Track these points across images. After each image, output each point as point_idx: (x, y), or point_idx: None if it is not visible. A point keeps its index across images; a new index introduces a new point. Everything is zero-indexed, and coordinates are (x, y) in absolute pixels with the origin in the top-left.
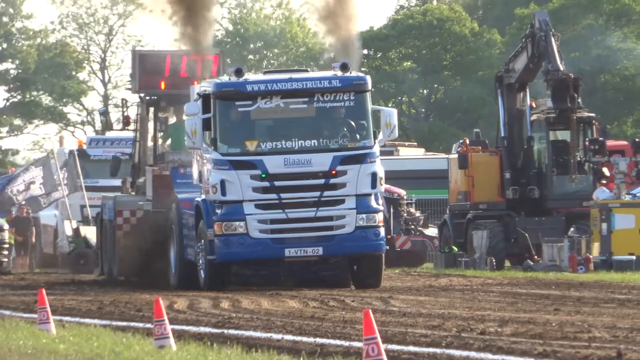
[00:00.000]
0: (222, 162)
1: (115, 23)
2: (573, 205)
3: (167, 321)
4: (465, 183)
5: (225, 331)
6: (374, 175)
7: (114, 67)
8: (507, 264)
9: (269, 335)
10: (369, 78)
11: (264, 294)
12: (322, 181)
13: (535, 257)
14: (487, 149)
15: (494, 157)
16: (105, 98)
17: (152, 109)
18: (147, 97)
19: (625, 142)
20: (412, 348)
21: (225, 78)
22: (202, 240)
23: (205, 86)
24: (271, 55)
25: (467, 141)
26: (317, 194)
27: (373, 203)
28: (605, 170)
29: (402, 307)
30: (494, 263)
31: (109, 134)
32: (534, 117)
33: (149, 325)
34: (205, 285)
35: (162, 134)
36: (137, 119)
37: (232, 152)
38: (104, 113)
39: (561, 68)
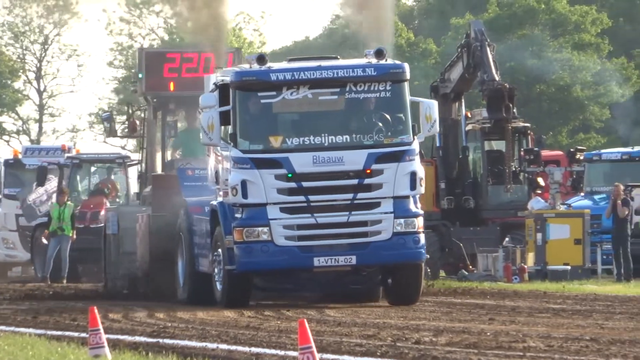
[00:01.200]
0: (243, 161)
1: (50, 32)
2: (508, 215)
3: (102, 330)
4: None
5: (161, 340)
6: (413, 175)
7: (49, 76)
8: (442, 273)
9: (204, 344)
10: (406, 66)
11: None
12: (355, 181)
13: (470, 267)
14: (423, 158)
15: (429, 167)
16: (41, 107)
17: (160, 113)
18: (155, 100)
19: (560, 152)
20: (347, 357)
21: (245, 66)
22: (219, 249)
23: (223, 75)
24: None
25: None
26: (350, 196)
27: (412, 206)
28: (540, 180)
29: (337, 316)
30: (429, 273)
31: (44, 144)
32: (469, 127)
33: (84, 335)
34: (223, 299)
35: (171, 140)
36: (143, 124)
37: (254, 149)
38: (108, 119)
39: (497, 78)
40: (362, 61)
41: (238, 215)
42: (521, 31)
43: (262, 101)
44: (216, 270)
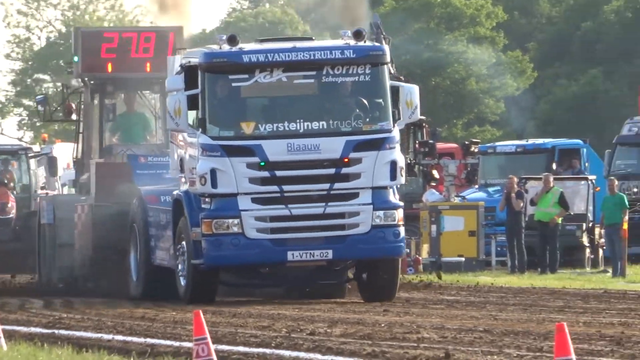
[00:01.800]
0: (213, 148)
1: None
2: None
3: None
4: None
5: (56, 331)
6: (393, 164)
7: None
8: None
9: (99, 335)
10: (387, 48)
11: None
12: (332, 171)
13: None
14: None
15: None
16: None
17: (97, 96)
18: (92, 82)
19: (455, 145)
20: (241, 348)
21: (214, 47)
22: (183, 242)
23: (190, 56)
24: None
25: None
26: (326, 186)
27: (392, 197)
28: (435, 173)
29: (232, 308)
30: None
31: None
32: None
33: None
34: (187, 295)
35: (109, 124)
36: (79, 107)
37: (225, 135)
38: (43, 101)
39: (392, 71)
40: (340, 42)
41: (206, 206)
42: (417, 24)
43: (233, 84)
44: (180, 264)
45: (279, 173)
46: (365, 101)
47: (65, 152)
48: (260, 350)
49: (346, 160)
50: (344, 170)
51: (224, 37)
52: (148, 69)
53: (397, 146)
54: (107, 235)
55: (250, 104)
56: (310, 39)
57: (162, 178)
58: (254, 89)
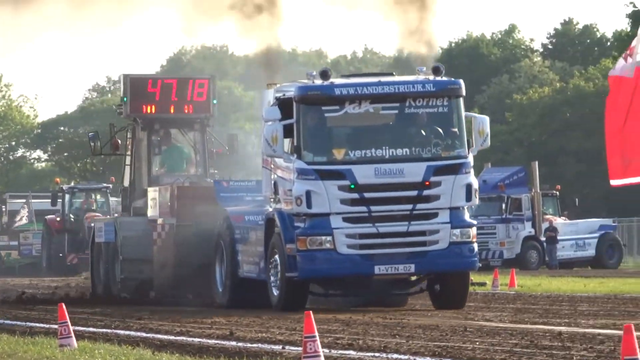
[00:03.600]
0: (308, 172)
1: None
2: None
3: None
4: None
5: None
6: (469, 187)
7: None
8: None
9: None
10: (462, 82)
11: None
12: (414, 193)
13: None
14: None
15: None
16: None
17: (145, 133)
18: (141, 120)
19: None
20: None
21: (305, 82)
22: (276, 256)
23: (284, 89)
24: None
25: None
26: (409, 206)
27: (466, 217)
28: None
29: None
30: None
31: None
32: None
33: None
34: (280, 304)
35: (156, 157)
36: (127, 142)
37: (318, 160)
38: (93, 138)
39: None
40: (421, 77)
41: (300, 224)
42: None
43: (326, 115)
44: (272, 276)
45: (367, 195)
46: (443, 130)
47: None
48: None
49: (427, 183)
50: (425, 192)
51: (314, 73)
52: (186, 111)
53: (472, 170)
54: (189, 251)
55: (341, 133)
56: (390, 74)
57: (242, 200)
58: (343, 118)
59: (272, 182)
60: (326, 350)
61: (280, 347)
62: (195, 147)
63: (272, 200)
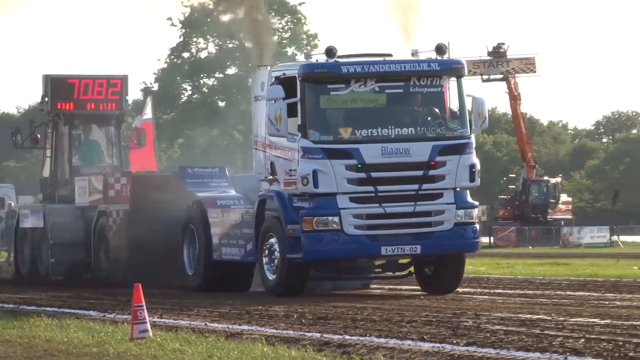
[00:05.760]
0: (315, 151)
1: None
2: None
3: None
4: None
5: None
6: (472, 167)
7: None
8: None
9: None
10: (465, 62)
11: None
12: (420, 173)
13: None
14: None
15: None
16: None
17: (66, 128)
18: (64, 116)
19: None
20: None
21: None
22: (272, 239)
23: (283, 69)
24: None
25: None
26: (415, 186)
27: (469, 198)
28: None
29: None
30: None
31: None
32: None
33: None
34: (278, 287)
35: (74, 150)
36: (48, 136)
37: (325, 139)
38: (16, 132)
39: None
40: (424, 57)
41: (302, 205)
42: None
43: (332, 93)
44: (266, 259)
45: (374, 174)
46: (447, 109)
47: None
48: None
49: (433, 163)
50: (431, 172)
51: (313, 54)
52: (102, 107)
53: (474, 151)
54: (146, 236)
55: (347, 111)
56: (389, 55)
57: (208, 185)
58: (350, 97)
59: (269, 162)
60: None
61: None
62: (112, 140)
63: (267, 181)
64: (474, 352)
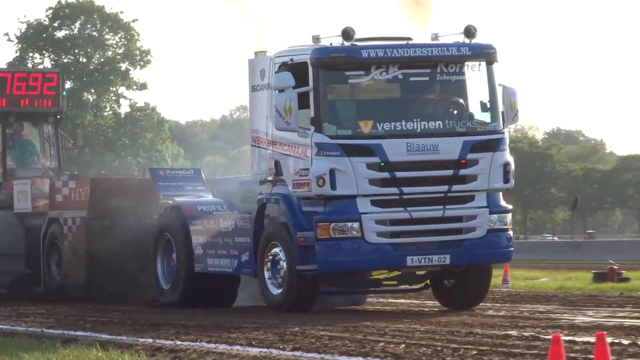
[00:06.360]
0: (331, 147)
1: None
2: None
3: None
4: None
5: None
6: (507, 166)
7: None
8: None
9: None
10: (496, 47)
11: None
12: (450, 172)
13: None
14: None
15: None
16: None
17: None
18: None
19: None
20: None
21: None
22: (276, 248)
23: (290, 54)
24: None
25: None
26: (444, 188)
27: (502, 201)
28: None
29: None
30: None
31: None
32: None
33: None
34: (286, 303)
35: (8, 151)
36: None
37: (342, 134)
38: None
39: None
40: (452, 41)
41: (318, 209)
42: None
43: (350, 81)
44: (268, 271)
45: (398, 174)
46: (478, 101)
47: None
48: None
49: (463, 161)
50: (462, 171)
51: (321, 36)
52: (37, 104)
53: (508, 148)
54: (107, 245)
55: (367, 102)
56: (409, 38)
57: (183, 189)
58: (369, 86)
59: (272, 161)
60: None
61: None
62: (50, 140)
63: (268, 182)
64: (300, 356)
